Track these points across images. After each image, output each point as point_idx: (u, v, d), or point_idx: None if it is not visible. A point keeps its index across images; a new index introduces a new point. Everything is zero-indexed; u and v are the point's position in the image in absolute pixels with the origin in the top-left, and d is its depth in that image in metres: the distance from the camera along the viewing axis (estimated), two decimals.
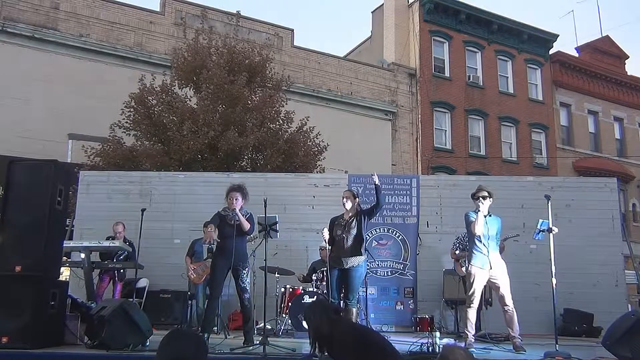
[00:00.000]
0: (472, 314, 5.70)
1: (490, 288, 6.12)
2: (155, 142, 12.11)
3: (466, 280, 6.04)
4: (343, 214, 6.02)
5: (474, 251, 5.78)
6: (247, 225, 5.67)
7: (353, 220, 5.91)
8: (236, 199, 5.73)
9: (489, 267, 5.66)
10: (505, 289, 5.65)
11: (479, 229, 5.66)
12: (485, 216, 5.77)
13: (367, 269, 7.49)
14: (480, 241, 5.73)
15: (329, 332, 2.99)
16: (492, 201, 5.87)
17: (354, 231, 5.84)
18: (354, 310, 5.86)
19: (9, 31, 14.18)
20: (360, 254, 5.84)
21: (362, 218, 5.90)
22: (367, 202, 8.89)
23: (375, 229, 8.85)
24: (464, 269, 6.99)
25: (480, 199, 5.74)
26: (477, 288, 5.70)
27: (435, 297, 8.38)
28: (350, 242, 5.84)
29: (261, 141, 11.93)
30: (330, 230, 6.01)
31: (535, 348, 5.66)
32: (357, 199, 6.07)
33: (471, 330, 5.66)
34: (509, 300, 5.63)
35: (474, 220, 5.71)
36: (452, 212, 8.40)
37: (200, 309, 7.53)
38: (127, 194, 9.00)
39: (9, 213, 5.06)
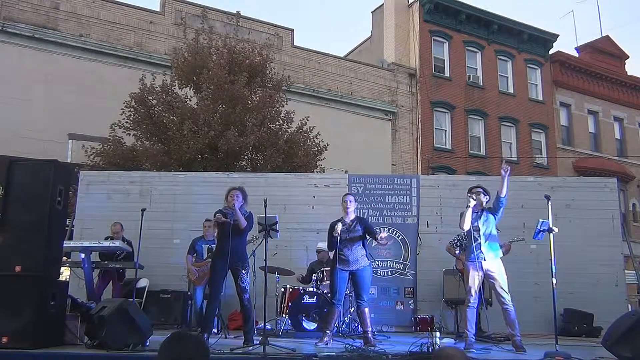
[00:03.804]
0: (470, 313, 5.68)
1: (490, 287, 6.11)
2: (155, 142, 12.11)
3: (464, 280, 6.04)
4: (343, 218, 6.05)
5: (468, 248, 5.81)
6: (243, 222, 5.67)
7: (356, 223, 6.01)
8: (237, 196, 5.74)
9: (481, 263, 5.64)
10: (502, 287, 5.64)
11: (467, 224, 5.67)
12: (478, 212, 5.77)
13: None
14: (474, 237, 5.72)
15: None
16: (489, 198, 5.86)
17: (359, 233, 5.97)
18: (366, 310, 5.92)
19: (9, 31, 14.18)
20: (366, 255, 6.01)
21: (363, 224, 6.06)
22: (366, 202, 8.96)
23: (375, 229, 8.84)
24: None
25: (474, 194, 5.77)
26: (473, 285, 5.68)
27: (435, 297, 8.38)
28: (356, 243, 5.95)
29: (261, 141, 11.93)
30: (330, 233, 6.01)
31: (535, 348, 5.66)
32: (356, 203, 6.22)
33: (471, 329, 5.65)
34: (505, 295, 5.63)
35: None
36: (452, 212, 8.38)
37: (198, 309, 7.53)
38: (127, 194, 8.99)
39: (9, 213, 5.06)
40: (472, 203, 5.70)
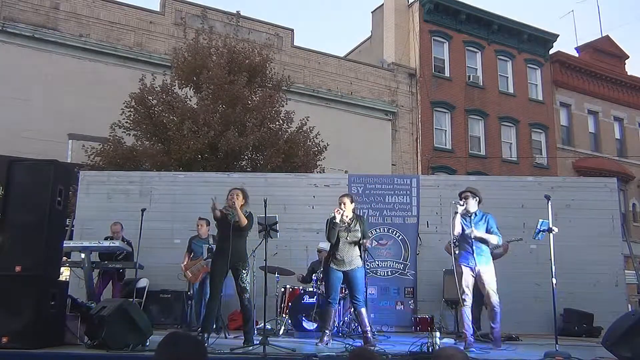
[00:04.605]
0: (466, 312, 5.74)
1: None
2: (155, 142, 12.11)
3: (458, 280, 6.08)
4: (340, 216, 5.98)
5: (461, 250, 5.89)
6: (244, 221, 5.68)
7: (355, 222, 5.96)
8: (237, 195, 5.75)
9: (474, 264, 5.75)
10: (492, 289, 5.75)
11: (456, 230, 5.80)
12: (470, 216, 5.86)
13: (367, 268, 7.52)
14: (465, 240, 5.83)
15: None
16: (479, 200, 5.94)
17: (358, 233, 5.92)
18: (363, 310, 5.90)
19: (9, 31, 14.18)
20: (360, 255, 5.97)
21: (362, 222, 6.01)
22: (367, 202, 8.96)
23: (375, 229, 8.85)
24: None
25: (462, 199, 5.88)
26: (466, 286, 5.76)
27: (435, 297, 8.37)
28: (353, 243, 5.91)
29: (261, 141, 11.93)
30: (329, 225, 5.97)
31: (535, 348, 5.66)
32: (354, 203, 6.14)
33: (468, 329, 5.69)
34: (494, 299, 5.74)
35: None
36: (452, 212, 8.39)
37: (197, 308, 7.54)
38: (127, 194, 8.99)
39: (9, 213, 5.06)
40: (460, 209, 5.81)
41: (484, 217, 5.90)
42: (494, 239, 5.83)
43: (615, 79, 24.43)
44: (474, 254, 5.76)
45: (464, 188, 6.09)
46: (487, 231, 5.84)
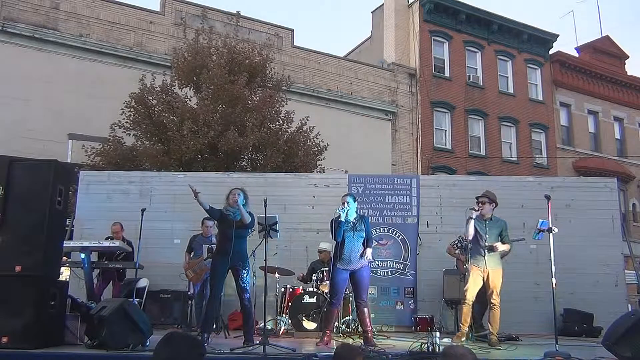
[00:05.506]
0: (466, 309, 5.97)
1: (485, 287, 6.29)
2: (155, 142, 12.11)
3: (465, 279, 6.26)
4: (345, 214, 5.97)
5: (473, 252, 6.06)
6: (247, 218, 5.71)
7: (360, 222, 5.98)
8: (238, 195, 5.77)
9: (484, 266, 5.96)
10: (495, 288, 5.97)
11: (470, 234, 6.00)
12: (485, 220, 6.06)
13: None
14: (478, 243, 6.03)
15: None
16: (495, 205, 6.15)
17: (363, 233, 5.95)
18: (366, 310, 5.92)
19: (9, 31, 14.18)
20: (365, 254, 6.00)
21: (366, 225, 6.04)
22: (367, 202, 8.95)
23: (375, 229, 8.82)
24: (466, 266, 7.10)
25: (479, 204, 6.08)
26: (471, 285, 5.97)
27: (435, 297, 8.38)
28: (360, 242, 5.92)
29: (261, 141, 11.93)
30: (334, 223, 5.96)
31: (535, 348, 5.66)
32: (357, 202, 6.15)
33: (465, 323, 5.95)
34: (495, 298, 5.94)
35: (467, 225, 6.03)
36: (452, 212, 8.40)
37: (198, 308, 7.54)
38: (127, 194, 8.98)
39: (9, 213, 5.06)
40: (474, 214, 5.98)
41: (498, 223, 6.12)
42: (506, 247, 6.11)
43: (615, 79, 24.42)
44: (485, 257, 5.96)
45: (482, 192, 6.26)
46: (500, 235, 6.07)
